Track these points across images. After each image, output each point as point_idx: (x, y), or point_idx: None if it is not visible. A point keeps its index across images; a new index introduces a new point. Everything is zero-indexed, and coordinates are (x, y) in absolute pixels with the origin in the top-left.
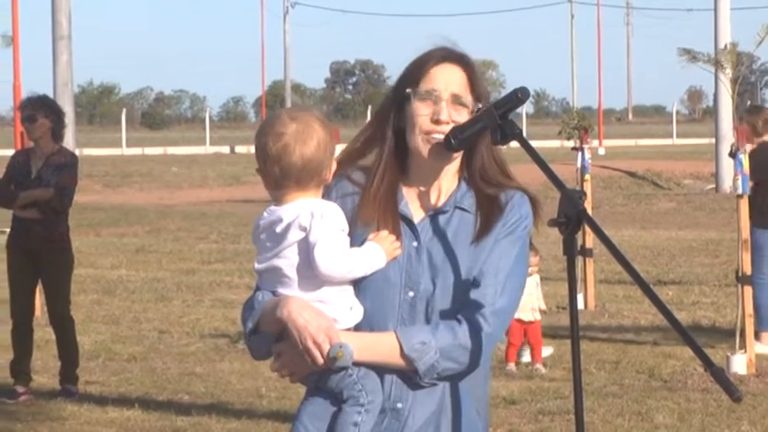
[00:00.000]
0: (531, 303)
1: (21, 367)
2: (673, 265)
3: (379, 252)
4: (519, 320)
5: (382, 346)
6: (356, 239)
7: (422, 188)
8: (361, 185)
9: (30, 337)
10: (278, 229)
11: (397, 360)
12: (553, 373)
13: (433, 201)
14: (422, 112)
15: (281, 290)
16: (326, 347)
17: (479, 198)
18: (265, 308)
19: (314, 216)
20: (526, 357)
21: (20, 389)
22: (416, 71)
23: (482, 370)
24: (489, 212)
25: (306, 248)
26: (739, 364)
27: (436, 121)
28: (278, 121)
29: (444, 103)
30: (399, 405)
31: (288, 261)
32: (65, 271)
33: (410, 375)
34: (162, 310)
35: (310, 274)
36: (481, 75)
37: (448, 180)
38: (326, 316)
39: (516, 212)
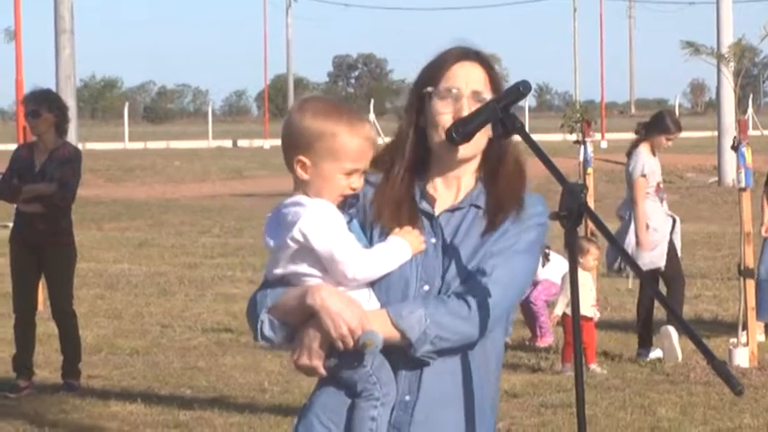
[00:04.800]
0: (592, 300)
1: (23, 361)
2: None
3: (403, 246)
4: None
5: (374, 320)
6: (379, 237)
7: (441, 185)
8: (377, 185)
9: (32, 332)
10: (284, 231)
11: (389, 333)
12: (555, 366)
13: (451, 198)
14: (443, 110)
15: (307, 281)
16: (359, 333)
17: (491, 197)
18: (286, 297)
19: (308, 219)
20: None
21: (22, 383)
22: (436, 70)
23: (494, 362)
24: (499, 209)
25: (313, 254)
26: (741, 357)
27: None
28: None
29: (465, 101)
30: (407, 398)
31: (301, 262)
32: (67, 265)
33: (414, 359)
34: (164, 304)
35: (326, 275)
36: (499, 71)
37: (467, 178)
38: (357, 302)
39: (528, 209)
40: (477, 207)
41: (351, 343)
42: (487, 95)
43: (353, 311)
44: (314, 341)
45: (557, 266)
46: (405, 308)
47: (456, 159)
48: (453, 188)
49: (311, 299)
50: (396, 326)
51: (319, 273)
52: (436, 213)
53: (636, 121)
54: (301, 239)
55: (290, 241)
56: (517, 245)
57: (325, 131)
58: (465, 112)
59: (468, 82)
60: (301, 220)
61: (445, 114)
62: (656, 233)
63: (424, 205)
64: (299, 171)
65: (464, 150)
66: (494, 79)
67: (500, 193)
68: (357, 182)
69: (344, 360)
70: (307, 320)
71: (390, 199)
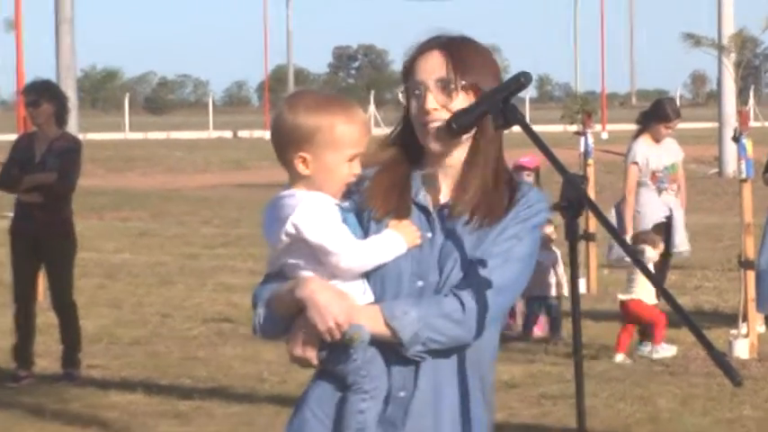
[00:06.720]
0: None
1: (23, 351)
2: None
3: (397, 239)
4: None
5: (365, 316)
6: (375, 229)
7: (436, 178)
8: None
9: (32, 321)
10: (279, 225)
11: (380, 330)
12: (555, 357)
13: (445, 191)
14: (414, 104)
15: (301, 273)
16: (346, 327)
17: (488, 191)
18: (281, 290)
19: (301, 212)
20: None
21: (22, 373)
22: (406, 67)
23: (489, 357)
24: (497, 205)
25: (307, 246)
26: (741, 349)
27: (426, 112)
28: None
29: (429, 92)
30: (402, 394)
31: (296, 255)
32: (67, 255)
33: (406, 355)
34: (165, 294)
35: (321, 267)
36: (472, 51)
37: (458, 173)
38: (347, 295)
39: (527, 205)
40: (471, 201)
41: (337, 336)
42: (453, 80)
43: (341, 305)
44: (306, 333)
45: None
46: (398, 307)
47: (438, 150)
48: (448, 181)
49: (300, 291)
50: (388, 324)
51: (313, 265)
52: (432, 207)
53: (637, 112)
54: (294, 232)
55: (283, 235)
56: (517, 249)
57: (322, 123)
58: (429, 104)
59: (430, 72)
60: (294, 213)
61: (414, 110)
62: (638, 215)
63: (420, 199)
64: (300, 167)
65: (436, 147)
66: (459, 62)
67: (485, 191)
68: (357, 167)
69: (334, 353)
70: (300, 312)
71: (383, 185)
